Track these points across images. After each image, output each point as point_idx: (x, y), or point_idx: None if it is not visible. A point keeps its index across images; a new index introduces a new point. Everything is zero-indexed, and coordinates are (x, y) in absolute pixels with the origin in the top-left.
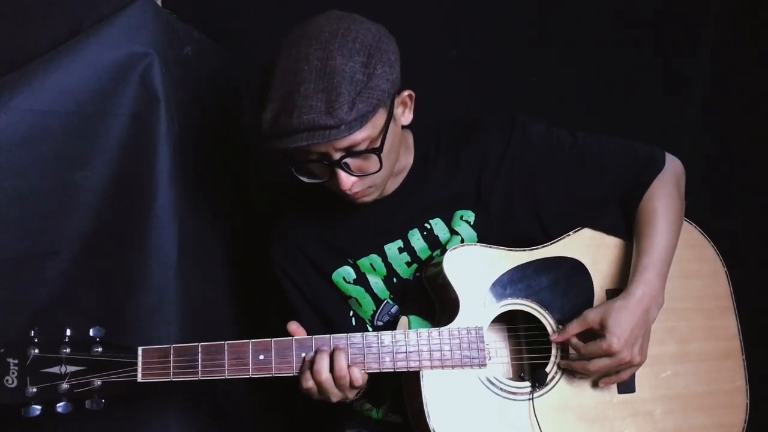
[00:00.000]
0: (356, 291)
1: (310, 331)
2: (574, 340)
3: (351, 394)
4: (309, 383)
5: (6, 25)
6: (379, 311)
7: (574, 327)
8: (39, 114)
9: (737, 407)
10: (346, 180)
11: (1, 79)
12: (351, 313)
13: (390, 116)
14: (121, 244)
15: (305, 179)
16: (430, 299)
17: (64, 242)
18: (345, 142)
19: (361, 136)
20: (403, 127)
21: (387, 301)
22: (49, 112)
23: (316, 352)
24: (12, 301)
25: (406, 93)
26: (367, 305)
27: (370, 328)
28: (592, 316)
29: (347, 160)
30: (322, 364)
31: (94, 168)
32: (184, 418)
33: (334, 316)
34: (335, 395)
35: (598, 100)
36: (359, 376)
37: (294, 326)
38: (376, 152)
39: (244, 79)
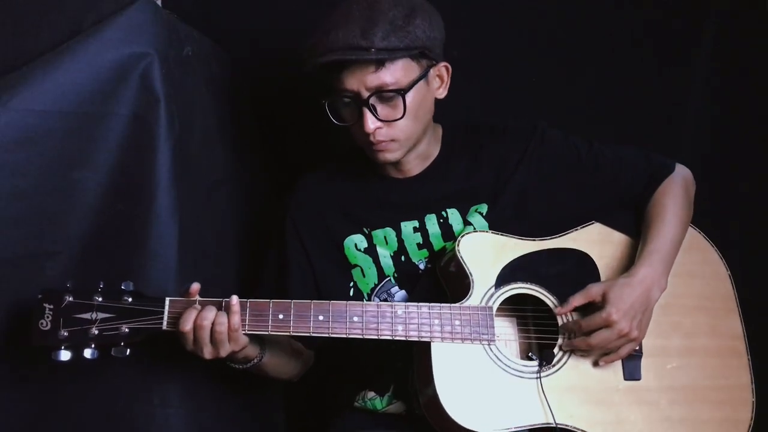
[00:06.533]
0: (364, 260)
1: (298, 296)
2: (575, 317)
3: (224, 352)
4: (188, 326)
5: (6, 25)
6: (379, 286)
7: (577, 299)
8: (39, 114)
9: (743, 404)
10: (371, 122)
11: (1, 79)
12: (351, 283)
13: (423, 76)
14: (121, 244)
15: (335, 120)
16: (440, 291)
17: (64, 242)
18: (374, 80)
19: (390, 78)
20: (434, 121)
21: (390, 279)
22: (49, 112)
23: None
24: (12, 301)
25: (442, 64)
26: (370, 277)
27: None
28: (594, 289)
29: (375, 103)
30: (207, 314)
31: (94, 168)
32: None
33: (333, 282)
34: (207, 350)
35: (599, 100)
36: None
37: (196, 286)
38: (401, 93)
39: (244, 79)
